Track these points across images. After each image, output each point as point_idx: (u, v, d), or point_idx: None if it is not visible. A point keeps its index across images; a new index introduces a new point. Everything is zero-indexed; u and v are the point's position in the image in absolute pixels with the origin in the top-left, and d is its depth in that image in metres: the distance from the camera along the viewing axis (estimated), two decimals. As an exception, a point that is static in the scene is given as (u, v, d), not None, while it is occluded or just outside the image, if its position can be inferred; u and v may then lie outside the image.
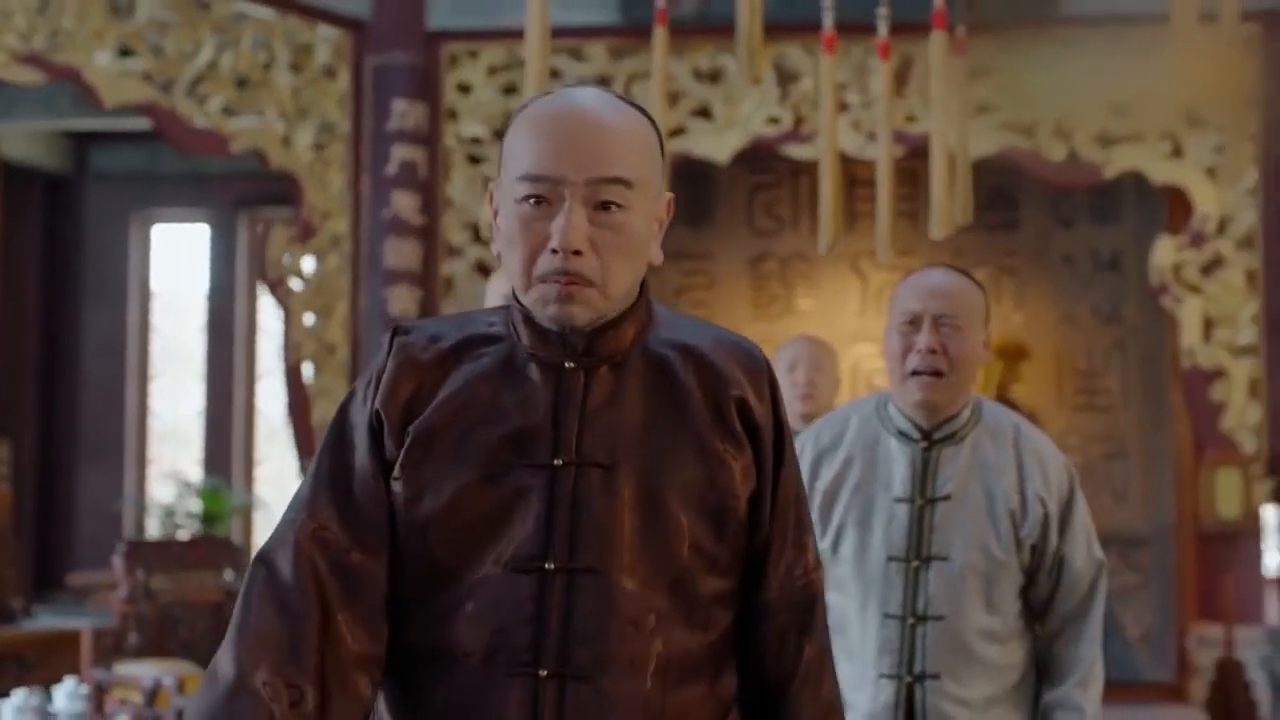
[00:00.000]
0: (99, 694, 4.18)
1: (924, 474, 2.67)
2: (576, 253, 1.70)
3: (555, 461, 1.73)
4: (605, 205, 1.72)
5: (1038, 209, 9.14)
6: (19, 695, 3.72)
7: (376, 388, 1.79)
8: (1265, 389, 7.31)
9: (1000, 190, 8.98)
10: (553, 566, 1.71)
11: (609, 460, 1.73)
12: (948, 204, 3.80)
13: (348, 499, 1.78)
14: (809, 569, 1.84)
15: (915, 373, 2.64)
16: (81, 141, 10.36)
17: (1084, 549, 2.67)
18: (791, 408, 4.12)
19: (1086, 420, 9.17)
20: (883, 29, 3.95)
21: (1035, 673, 2.71)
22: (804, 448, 2.76)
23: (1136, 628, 9.08)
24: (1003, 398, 9.11)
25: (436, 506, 1.73)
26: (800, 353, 4.27)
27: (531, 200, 1.73)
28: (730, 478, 1.75)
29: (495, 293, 3.44)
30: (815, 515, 2.74)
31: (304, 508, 1.79)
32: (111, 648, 4.66)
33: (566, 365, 1.75)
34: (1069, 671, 2.65)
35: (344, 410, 1.83)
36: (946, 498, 2.64)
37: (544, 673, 1.70)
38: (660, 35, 4.02)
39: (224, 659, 1.72)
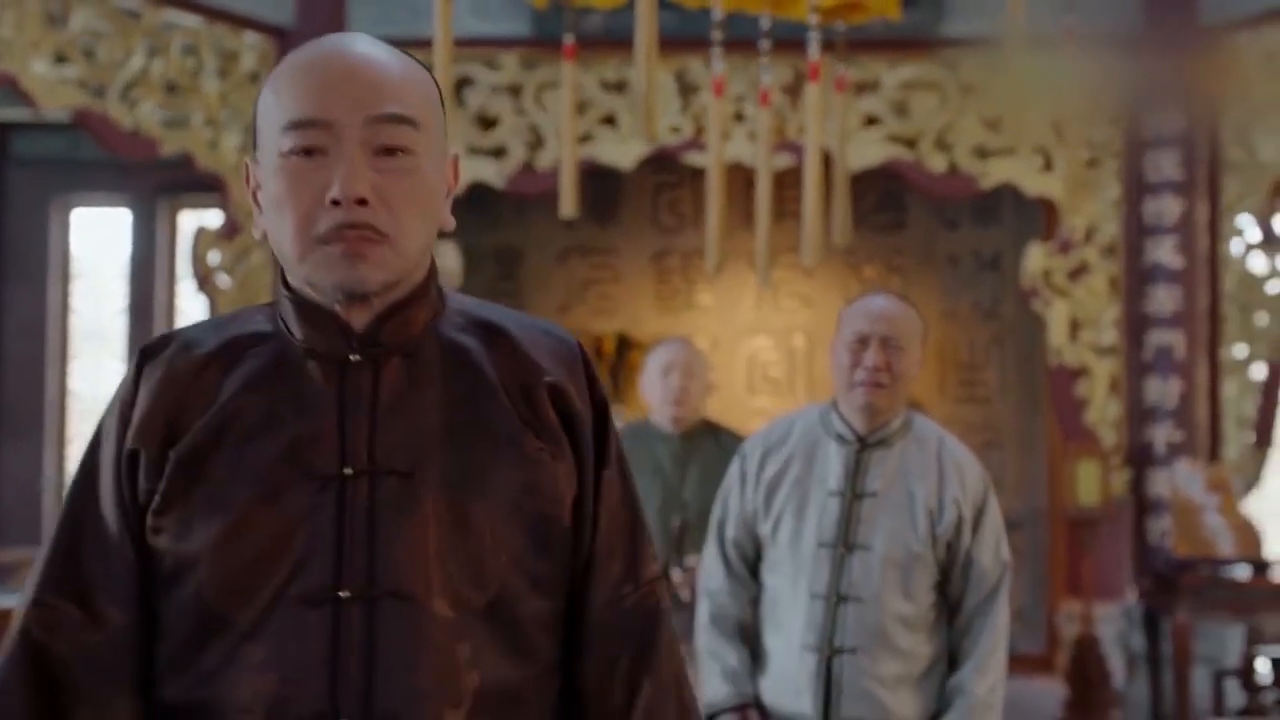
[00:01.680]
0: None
1: (856, 472, 3.02)
2: (362, 202, 1.46)
3: (344, 471, 1.48)
4: (389, 150, 1.49)
5: (924, 212, 9.67)
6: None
7: (125, 423, 1.52)
8: (1124, 387, 7.90)
9: (889, 193, 9.50)
10: (348, 595, 1.45)
11: (407, 466, 1.48)
12: (819, 235, 4.26)
13: (88, 566, 1.51)
14: (643, 583, 1.59)
15: (861, 384, 3.00)
16: (3, 130, 10.54)
17: (992, 550, 3.00)
18: (664, 411, 4.21)
19: (967, 411, 9.73)
20: (766, 77, 4.40)
21: (945, 664, 3.01)
22: (754, 444, 3.12)
23: (1011, 604, 9.65)
24: (889, 389, 9.66)
25: (207, 541, 1.46)
26: (675, 358, 4.28)
27: (300, 153, 1.48)
28: (550, 479, 1.52)
29: None
30: (759, 503, 3.05)
31: (35, 587, 1.52)
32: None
33: (350, 359, 1.51)
34: (968, 659, 2.96)
35: (88, 456, 1.56)
36: (873, 494, 2.99)
37: None
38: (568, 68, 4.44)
39: None
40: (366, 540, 1.47)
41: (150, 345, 1.57)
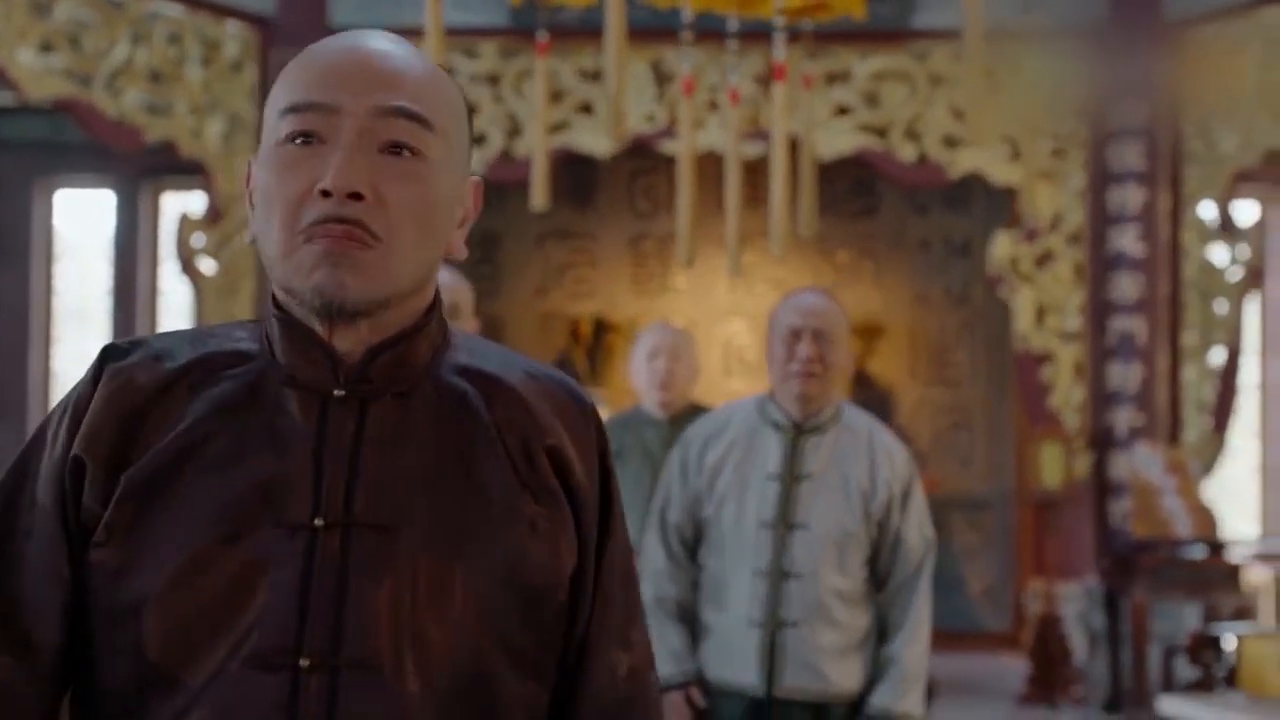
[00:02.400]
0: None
1: (793, 457, 3.20)
2: (356, 197, 1.29)
3: (315, 522, 1.30)
4: (396, 149, 1.32)
5: (896, 197, 9.85)
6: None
7: (75, 425, 1.34)
8: (1088, 372, 8.10)
9: (862, 180, 9.68)
10: (308, 663, 1.27)
11: (387, 521, 1.31)
12: (786, 226, 4.42)
13: (12, 582, 1.33)
14: (639, 674, 1.45)
15: (797, 374, 3.19)
16: (-13, 112, 10.65)
17: (918, 529, 3.21)
18: (650, 395, 4.25)
19: (937, 394, 9.92)
20: (732, 77, 4.56)
21: (877, 636, 3.21)
22: (694, 434, 3.30)
23: (979, 583, 9.88)
24: (860, 372, 9.84)
25: (155, 581, 1.28)
26: (661, 342, 4.29)
27: (297, 139, 1.32)
28: (547, 549, 1.36)
29: None
30: (702, 488, 3.23)
31: None
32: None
33: (335, 393, 1.33)
34: (897, 631, 3.16)
35: (24, 457, 1.38)
36: (810, 477, 3.18)
37: None
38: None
39: None
40: (334, 601, 1.28)
41: (116, 346, 1.38)
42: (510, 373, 1.42)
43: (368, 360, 1.35)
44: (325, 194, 1.29)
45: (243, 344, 1.39)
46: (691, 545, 3.25)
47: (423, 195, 1.33)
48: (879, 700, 3.13)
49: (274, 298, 1.38)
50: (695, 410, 4.15)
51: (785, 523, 3.17)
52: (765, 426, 3.25)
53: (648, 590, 3.24)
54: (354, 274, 1.30)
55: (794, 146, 4.76)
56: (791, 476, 3.20)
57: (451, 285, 3.35)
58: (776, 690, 3.11)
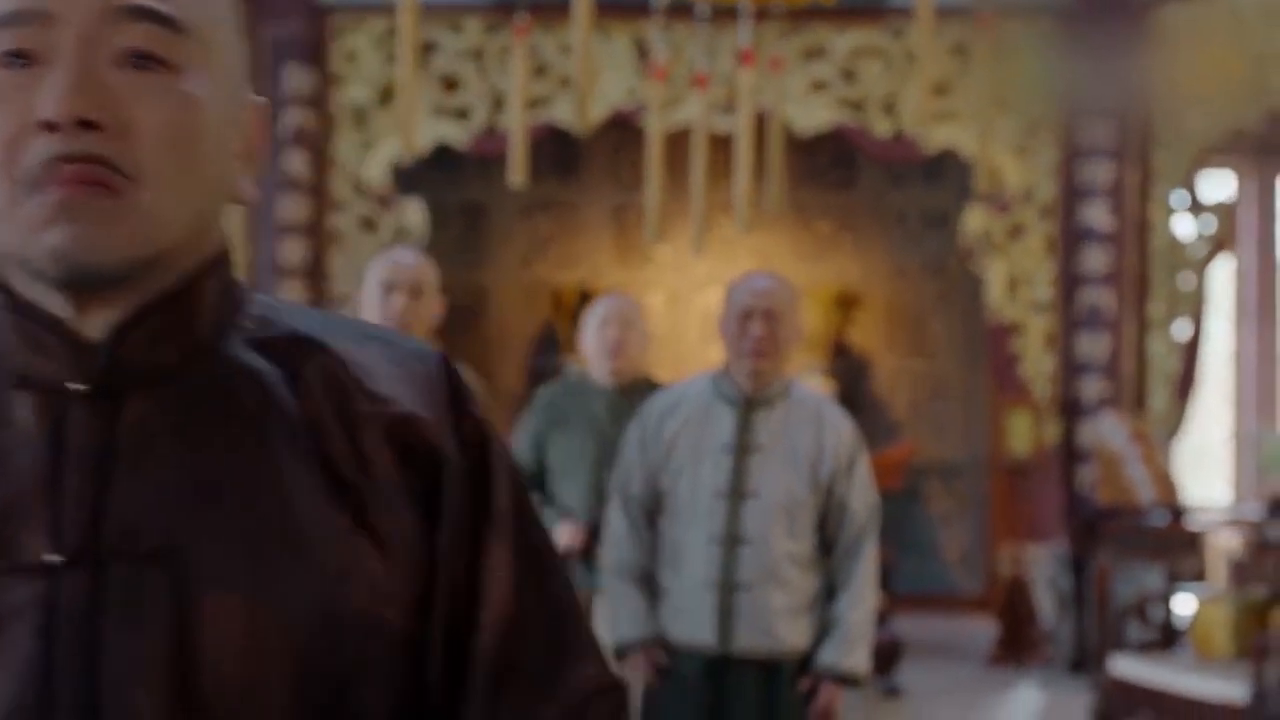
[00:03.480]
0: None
1: (744, 429, 3.38)
2: (88, 125, 0.95)
3: (53, 559, 0.96)
4: (140, 60, 0.98)
5: (874, 170, 10.03)
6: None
7: None
8: (1059, 343, 8.31)
9: (841, 152, 9.85)
10: None
11: (149, 552, 0.97)
12: (749, 207, 4.63)
13: None
14: (574, 704, 1.05)
15: (748, 352, 3.37)
16: None
17: (862, 496, 3.39)
18: (601, 364, 4.25)
19: (914, 363, 10.13)
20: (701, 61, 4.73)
21: (826, 597, 3.39)
22: (651, 408, 3.49)
23: (955, 548, 10.11)
24: (839, 342, 10.05)
25: None
26: (611, 311, 4.29)
27: (7, 60, 0.97)
28: (373, 567, 1.00)
29: (369, 302, 3.29)
30: (660, 459, 3.39)
31: None
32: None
33: (72, 388, 0.99)
34: (843, 592, 3.35)
35: None
36: (760, 448, 3.36)
37: None
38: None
39: None
40: (83, 662, 0.95)
41: None
42: (332, 337, 1.06)
43: (116, 340, 0.99)
44: (49, 126, 0.95)
45: None
46: (650, 514, 3.44)
47: (184, 118, 0.98)
48: (825, 658, 3.33)
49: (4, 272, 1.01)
50: (644, 382, 4.20)
51: (738, 492, 3.35)
52: (718, 401, 3.44)
53: (610, 555, 3.44)
54: (101, 227, 0.96)
55: (761, 130, 4.98)
56: (743, 448, 3.38)
57: (414, 265, 3.41)
58: (731, 649, 3.31)
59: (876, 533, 3.43)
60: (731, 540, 3.33)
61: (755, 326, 3.37)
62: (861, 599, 3.36)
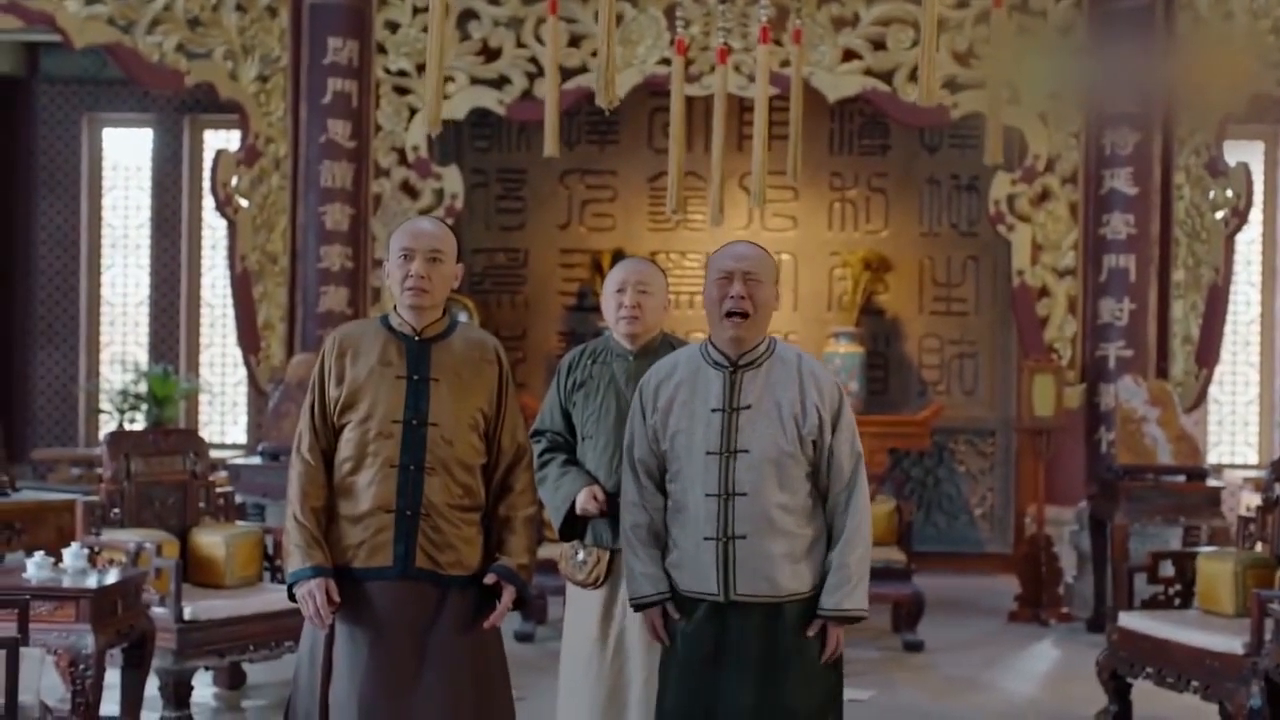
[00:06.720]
0: (92, 554, 5.19)
1: (732, 391, 3.60)
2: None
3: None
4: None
5: (906, 136, 10.17)
6: (36, 555, 4.75)
7: None
8: (1081, 307, 8.47)
9: (874, 118, 10.01)
10: None
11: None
12: (764, 178, 4.84)
13: None
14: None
15: (729, 314, 3.58)
16: (32, 47, 11.04)
17: (848, 445, 3.60)
18: (619, 328, 4.28)
19: (943, 324, 10.30)
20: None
21: (825, 542, 3.61)
22: (648, 378, 3.71)
23: (982, 507, 10.29)
24: (870, 304, 10.23)
25: None
26: (628, 275, 4.29)
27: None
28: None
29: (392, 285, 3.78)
30: (659, 424, 3.63)
31: None
32: (100, 518, 5.67)
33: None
34: (839, 538, 3.57)
35: None
36: (748, 407, 3.57)
37: None
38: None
39: None
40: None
41: None
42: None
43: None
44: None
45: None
46: (658, 476, 3.67)
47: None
48: (827, 602, 3.56)
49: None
50: (665, 342, 4.27)
51: (729, 449, 3.57)
52: (707, 366, 3.66)
53: (625, 518, 3.68)
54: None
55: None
56: (732, 408, 3.60)
57: (432, 232, 3.67)
58: (734, 594, 3.54)
59: (864, 479, 3.64)
60: (726, 495, 3.55)
61: (735, 286, 3.58)
62: (856, 542, 3.58)
